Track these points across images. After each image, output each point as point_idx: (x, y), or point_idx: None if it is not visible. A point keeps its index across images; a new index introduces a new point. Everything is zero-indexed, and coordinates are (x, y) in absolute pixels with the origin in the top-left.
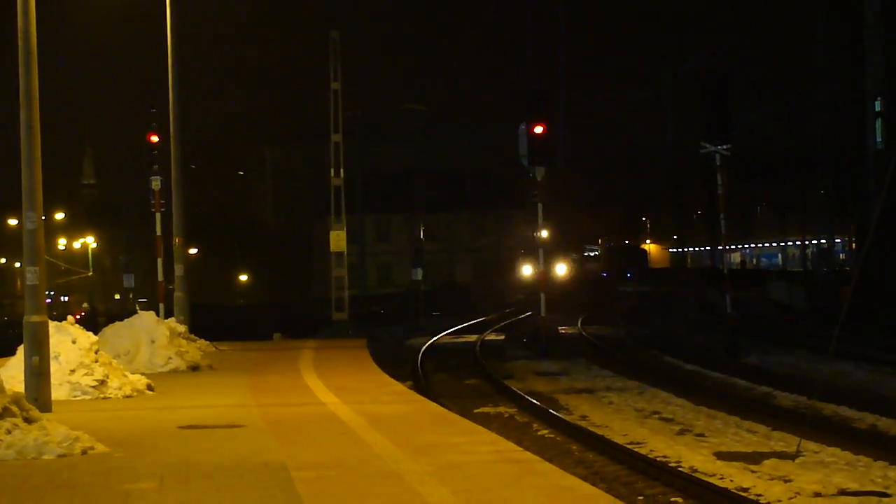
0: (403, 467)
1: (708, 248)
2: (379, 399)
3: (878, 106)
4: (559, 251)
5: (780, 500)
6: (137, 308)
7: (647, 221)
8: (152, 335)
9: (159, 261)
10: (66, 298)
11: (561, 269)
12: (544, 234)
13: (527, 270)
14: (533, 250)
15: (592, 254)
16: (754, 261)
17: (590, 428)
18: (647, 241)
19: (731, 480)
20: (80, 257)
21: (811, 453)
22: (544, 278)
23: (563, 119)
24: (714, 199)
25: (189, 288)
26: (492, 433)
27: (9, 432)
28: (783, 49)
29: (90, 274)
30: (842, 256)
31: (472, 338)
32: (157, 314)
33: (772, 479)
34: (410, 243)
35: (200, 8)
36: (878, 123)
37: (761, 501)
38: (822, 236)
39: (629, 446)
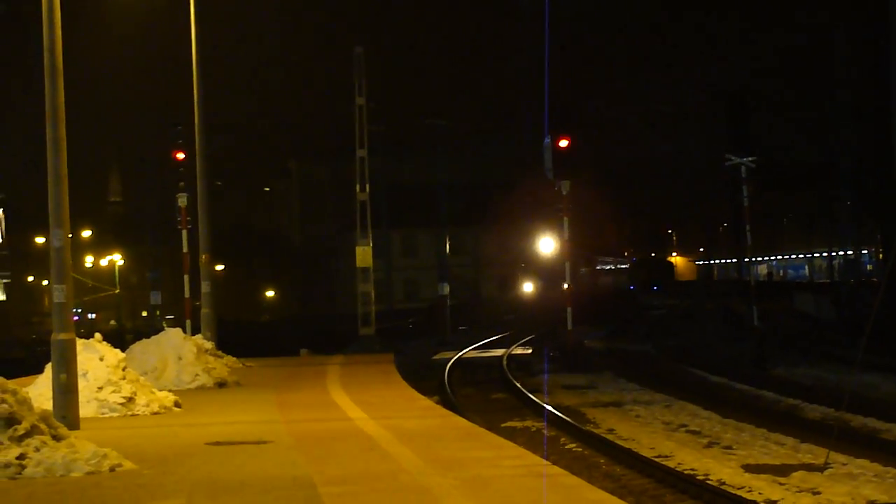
0: (431, 482)
1: (734, 260)
2: (406, 414)
3: None
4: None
5: None
6: (164, 325)
7: (674, 234)
8: (179, 352)
9: (186, 277)
10: (94, 316)
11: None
12: (547, 247)
13: (528, 287)
14: (532, 265)
15: (607, 267)
16: (781, 272)
17: (617, 441)
18: (674, 254)
19: (760, 493)
20: (107, 275)
21: (839, 465)
22: (570, 293)
23: (580, 130)
24: (740, 211)
25: (215, 304)
26: (519, 447)
27: (37, 450)
28: (807, 61)
29: (117, 291)
30: (869, 267)
31: (499, 352)
32: (184, 331)
33: (800, 492)
34: (436, 258)
35: (226, 24)
36: None
37: None
38: (849, 247)
39: (657, 459)
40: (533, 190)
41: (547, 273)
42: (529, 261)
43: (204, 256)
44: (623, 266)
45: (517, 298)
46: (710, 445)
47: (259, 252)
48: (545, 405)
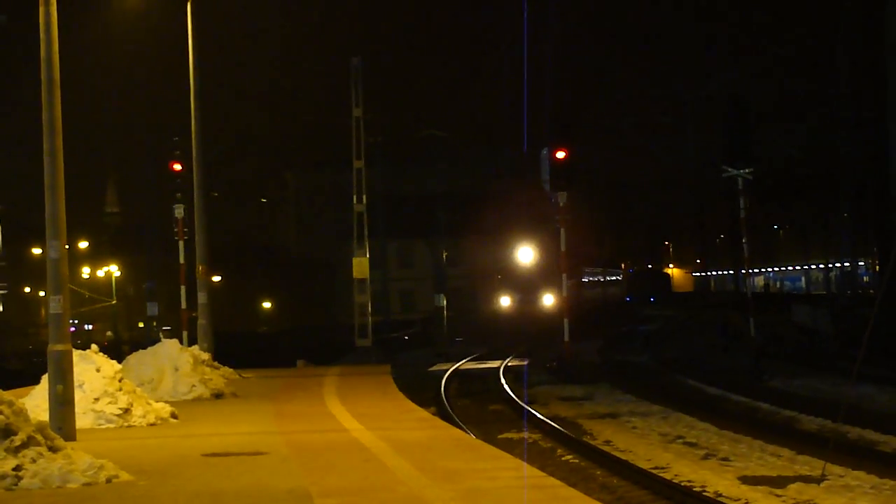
0: (428, 494)
1: (731, 271)
2: (403, 425)
3: None
4: (550, 277)
5: None
6: (161, 336)
7: (670, 245)
8: (176, 363)
9: (182, 288)
10: (91, 327)
11: (548, 300)
12: (525, 257)
13: (504, 301)
14: (509, 277)
15: (595, 279)
16: (778, 284)
17: (614, 453)
18: (670, 266)
19: None
20: (103, 286)
21: (836, 477)
22: (567, 305)
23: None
24: (736, 222)
25: (212, 315)
26: (516, 459)
27: (34, 461)
28: (804, 72)
29: (114, 302)
30: (865, 279)
31: (496, 363)
32: (181, 342)
33: None
34: (433, 269)
35: (224, 36)
36: None
37: None
38: (846, 259)
39: (653, 471)
40: (518, 200)
41: (524, 285)
42: (506, 272)
43: (201, 267)
44: (613, 278)
45: (493, 312)
46: (706, 457)
47: (256, 263)
48: (533, 412)
